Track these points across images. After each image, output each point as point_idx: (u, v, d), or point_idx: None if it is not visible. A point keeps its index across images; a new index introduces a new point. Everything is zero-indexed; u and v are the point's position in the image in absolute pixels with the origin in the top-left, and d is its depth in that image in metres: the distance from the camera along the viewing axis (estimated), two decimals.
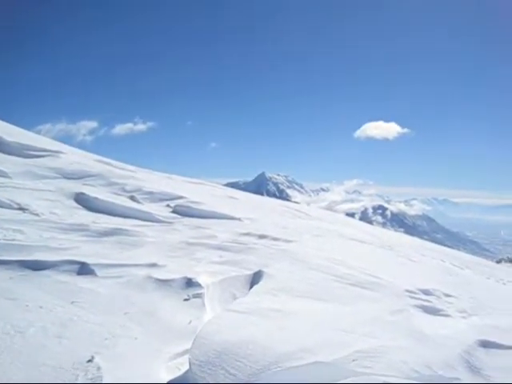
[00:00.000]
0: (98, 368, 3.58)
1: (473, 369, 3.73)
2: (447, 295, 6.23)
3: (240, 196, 15.51)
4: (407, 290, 5.82)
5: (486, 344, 4.28)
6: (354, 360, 3.38)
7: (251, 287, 5.46)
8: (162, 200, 11.05)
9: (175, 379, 3.67)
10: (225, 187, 18.68)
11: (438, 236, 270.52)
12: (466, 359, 3.83)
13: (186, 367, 3.63)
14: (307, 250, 7.69)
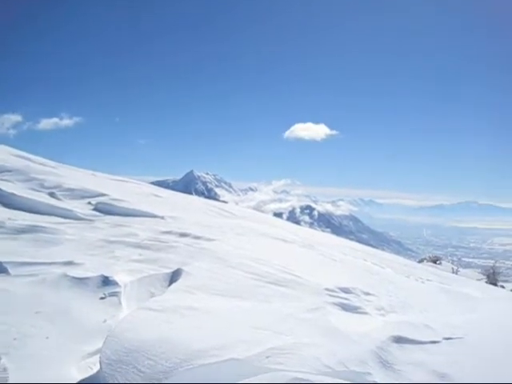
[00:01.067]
0: (4, 369, 3.52)
1: (385, 364, 3.93)
2: (366, 293, 6.48)
3: (164, 194, 15.36)
4: (326, 289, 6.00)
5: (399, 340, 4.52)
6: (267, 357, 3.47)
7: (170, 285, 5.48)
8: (83, 197, 10.79)
9: (86, 379, 3.64)
10: (150, 185, 18.48)
11: (364, 236, 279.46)
12: (379, 355, 4.03)
13: (98, 367, 3.61)
14: (228, 248, 7.75)
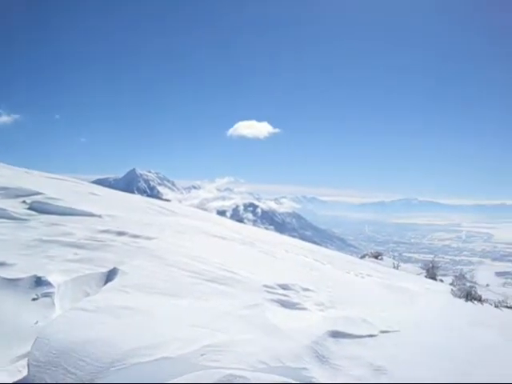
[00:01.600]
0: None
1: (321, 358, 4.01)
2: (306, 289, 6.57)
3: (103, 192, 15.03)
4: (265, 285, 6.05)
5: (336, 334, 4.62)
6: (202, 354, 3.48)
7: (105, 285, 5.38)
8: (17, 196, 10.38)
9: (15, 382, 3.53)
10: (88, 183, 18.01)
11: (307, 233, 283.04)
12: (315, 349, 4.10)
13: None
14: (167, 246, 7.68)
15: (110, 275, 5.73)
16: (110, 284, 5.28)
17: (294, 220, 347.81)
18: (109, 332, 3.70)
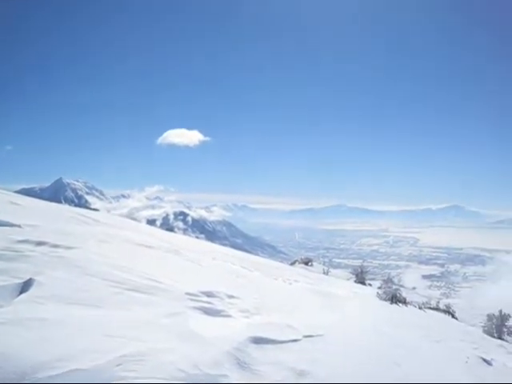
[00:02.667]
0: None
1: (242, 365, 4.01)
2: (231, 296, 6.57)
3: (24, 202, 14.43)
4: (188, 293, 5.99)
5: (258, 340, 4.64)
6: (118, 365, 3.40)
7: (18, 296, 5.16)
8: None
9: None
10: (9, 193, 17.27)
11: (238, 241, 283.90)
12: (236, 356, 4.10)
13: None
14: (89, 256, 7.45)
15: (25, 286, 5.49)
16: (23, 295, 5.05)
17: (224, 228, 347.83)
18: (19, 345, 3.54)
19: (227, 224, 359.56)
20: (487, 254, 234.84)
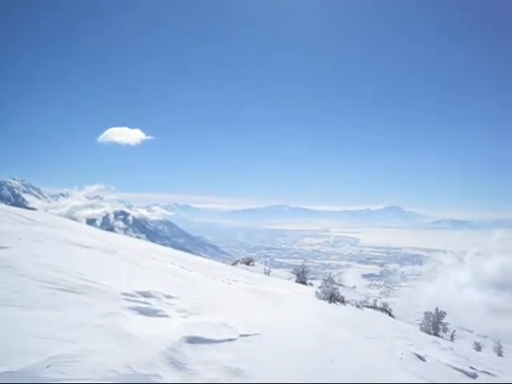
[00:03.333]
0: None
1: (176, 364, 4.02)
2: (168, 296, 6.55)
3: None
4: (124, 293, 5.93)
5: (193, 340, 4.66)
6: (47, 366, 3.33)
7: None
8: None
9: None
10: None
11: (180, 241, 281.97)
12: (170, 356, 4.11)
13: None
14: (21, 256, 7.24)
15: None
16: None
17: (166, 228, 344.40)
18: None
19: (169, 224, 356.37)
20: (424, 254, 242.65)
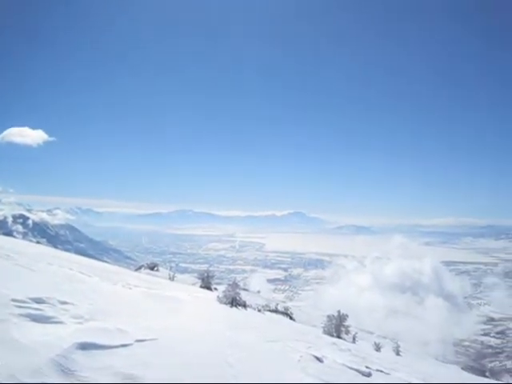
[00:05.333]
0: None
1: (66, 371, 3.91)
2: (64, 302, 6.34)
3: None
4: (15, 300, 5.67)
5: (87, 346, 4.55)
6: None
7: None
8: None
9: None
10: None
11: (82, 245, 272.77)
12: (59, 363, 3.99)
13: None
14: None
15: None
16: None
17: (67, 232, 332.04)
18: None
19: (70, 228, 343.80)
20: (327, 259, 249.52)
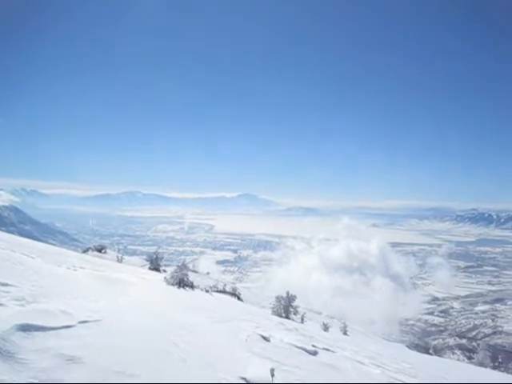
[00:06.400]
0: None
1: (4, 354, 3.83)
2: (5, 284, 6.21)
3: None
4: None
5: (27, 328, 4.46)
6: None
7: None
8: None
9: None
10: None
11: (27, 227, 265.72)
12: None
13: None
14: None
15: None
16: None
17: (11, 214, 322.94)
18: None
19: (15, 210, 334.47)
20: (276, 240, 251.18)
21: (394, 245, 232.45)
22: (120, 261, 22.52)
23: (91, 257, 18.69)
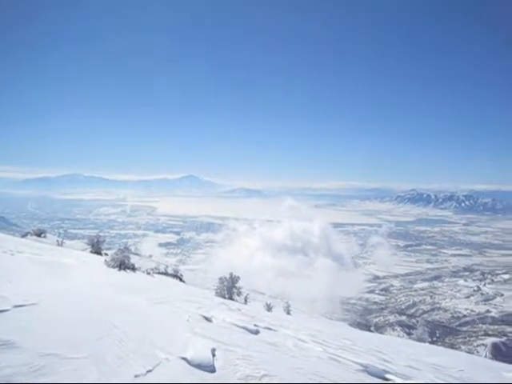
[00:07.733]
0: None
1: None
2: None
3: None
4: None
5: None
6: None
7: None
8: None
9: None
10: None
11: None
12: None
13: None
14: None
15: None
16: None
17: None
18: None
19: None
20: (219, 222, 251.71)
21: (336, 225, 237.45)
22: (60, 245, 22.09)
23: (30, 241, 18.25)
